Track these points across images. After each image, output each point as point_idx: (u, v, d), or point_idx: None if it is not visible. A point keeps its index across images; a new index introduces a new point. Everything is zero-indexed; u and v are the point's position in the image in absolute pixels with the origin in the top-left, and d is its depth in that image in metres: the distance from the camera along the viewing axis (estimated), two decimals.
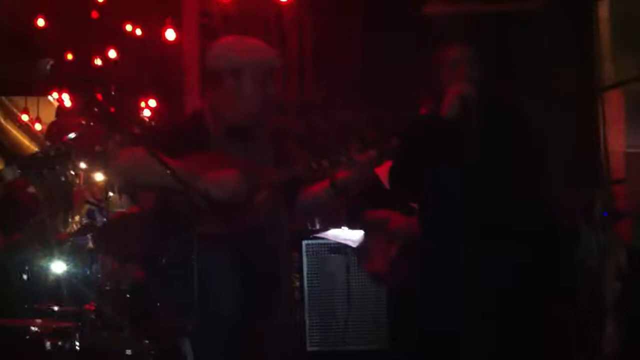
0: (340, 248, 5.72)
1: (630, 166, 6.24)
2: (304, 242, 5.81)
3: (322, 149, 4.00)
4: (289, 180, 3.68)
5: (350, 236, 5.59)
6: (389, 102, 6.88)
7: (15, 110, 10.64)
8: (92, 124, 7.40)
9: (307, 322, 5.72)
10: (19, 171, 6.83)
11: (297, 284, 5.75)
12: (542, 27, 6.42)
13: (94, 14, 8.59)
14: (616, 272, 5.22)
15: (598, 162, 6.07)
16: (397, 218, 4.35)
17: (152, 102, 8.88)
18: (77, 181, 7.34)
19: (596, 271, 5.26)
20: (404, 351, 4.08)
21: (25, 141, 10.79)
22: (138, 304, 5.20)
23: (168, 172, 3.33)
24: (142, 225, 5.56)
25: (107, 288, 5.45)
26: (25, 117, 10.28)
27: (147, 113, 8.89)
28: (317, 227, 6.07)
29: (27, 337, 4.81)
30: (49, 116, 9.99)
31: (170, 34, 8.25)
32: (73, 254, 5.95)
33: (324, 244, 5.80)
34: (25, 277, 5.76)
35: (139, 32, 8.70)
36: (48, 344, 4.76)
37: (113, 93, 8.12)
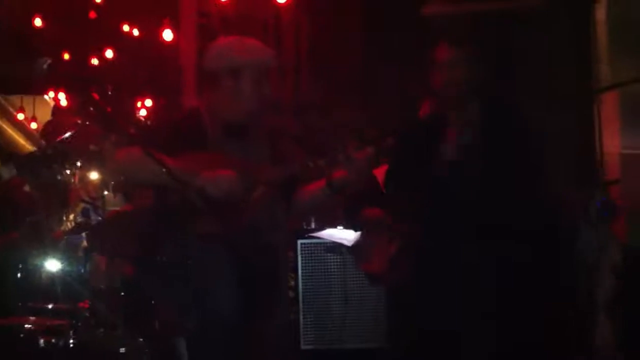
0: (335, 247, 5.71)
1: (625, 167, 6.25)
2: (299, 242, 5.81)
3: (319, 148, 4.00)
4: (285, 180, 3.69)
5: (345, 235, 5.59)
6: (388, 102, 6.88)
7: (11, 109, 10.63)
8: (87, 123, 7.41)
9: (302, 320, 5.73)
10: (15, 170, 6.84)
11: (292, 283, 5.75)
12: (541, 27, 6.43)
13: (92, 14, 8.60)
14: (611, 269, 5.23)
15: (595, 162, 6.08)
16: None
17: (149, 102, 8.89)
18: (73, 180, 7.35)
19: (593, 269, 5.26)
20: (404, 351, 4.07)
21: (20, 140, 10.78)
22: (132, 303, 5.20)
23: (164, 170, 3.34)
24: (137, 224, 5.56)
25: (102, 286, 5.46)
26: (21, 116, 10.27)
27: (143, 113, 8.90)
28: (313, 226, 6.08)
29: (21, 335, 4.82)
30: (45, 115, 10.01)
31: (167, 35, 8.26)
32: (67, 252, 5.96)
33: (319, 243, 5.80)
34: (19, 275, 5.76)
35: (136, 32, 8.71)
36: (42, 341, 4.77)
37: (110, 93, 8.13)
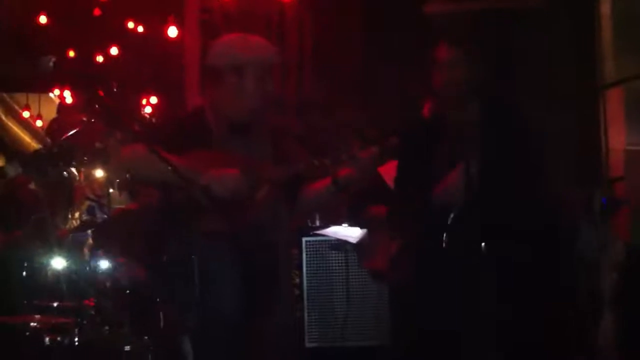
0: (340, 245, 5.71)
1: (630, 164, 6.23)
2: (304, 239, 5.80)
3: (322, 147, 4.00)
4: (290, 178, 3.69)
5: (350, 233, 5.59)
6: (389, 102, 6.88)
7: (16, 106, 10.64)
8: (93, 121, 7.41)
9: (306, 318, 5.72)
10: (21, 168, 6.84)
11: (297, 280, 5.75)
12: (543, 25, 6.42)
13: (96, 12, 8.61)
14: (612, 268, 5.22)
15: (598, 160, 6.07)
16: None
17: (154, 99, 8.89)
18: (78, 178, 7.35)
19: (595, 266, 5.26)
20: (404, 351, 4.08)
21: (26, 138, 10.78)
22: (138, 301, 5.20)
23: (169, 168, 3.34)
24: (142, 222, 5.57)
25: (107, 284, 5.45)
26: (26, 114, 10.29)
27: (148, 110, 8.91)
28: (317, 224, 6.08)
29: (27, 333, 4.82)
30: (50, 113, 10.02)
31: (172, 31, 8.26)
32: (73, 250, 5.96)
33: (324, 240, 5.79)
34: (25, 273, 5.76)
35: (141, 29, 8.71)
36: (47, 339, 4.77)
37: (115, 90, 8.14)
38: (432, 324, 3.82)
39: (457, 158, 3.81)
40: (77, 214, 7.07)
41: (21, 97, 10.43)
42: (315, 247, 5.80)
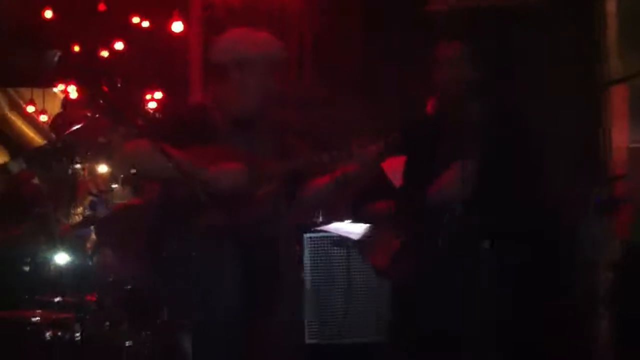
0: (342, 241, 5.70)
1: (633, 161, 6.22)
2: (306, 235, 5.80)
3: (324, 143, 3.99)
4: (291, 174, 3.68)
5: (352, 229, 5.58)
6: (389, 100, 6.86)
7: (21, 101, 10.64)
8: (97, 116, 7.41)
9: (307, 314, 5.72)
10: (25, 164, 6.85)
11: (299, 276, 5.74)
12: (545, 24, 6.39)
13: (101, 6, 8.58)
14: (609, 264, 5.21)
15: (600, 159, 6.06)
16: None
17: (158, 94, 8.88)
18: (82, 173, 7.36)
19: (591, 265, 5.25)
20: (404, 350, 4.07)
21: (30, 133, 10.79)
22: (138, 297, 5.20)
23: (171, 164, 3.33)
24: (145, 218, 5.56)
25: (109, 279, 5.46)
26: (31, 109, 10.28)
27: (152, 105, 8.89)
28: (320, 220, 6.06)
29: (28, 328, 4.83)
30: (55, 108, 10.02)
31: (177, 26, 8.24)
32: (75, 245, 5.96)
33: (326, 237, 5.78)
34: (28, 268, 5.77)
35: (145, 24, 8.70)
36: (48, 334, 4.77)
37: (119, 85, 8.13)
38: (432, 325, 3.81)
39: (456, 157, 3.80)
40: (79, 210, 7.08)
41: (26, 91, 10.42)
42: (317, 244, 5.79)
